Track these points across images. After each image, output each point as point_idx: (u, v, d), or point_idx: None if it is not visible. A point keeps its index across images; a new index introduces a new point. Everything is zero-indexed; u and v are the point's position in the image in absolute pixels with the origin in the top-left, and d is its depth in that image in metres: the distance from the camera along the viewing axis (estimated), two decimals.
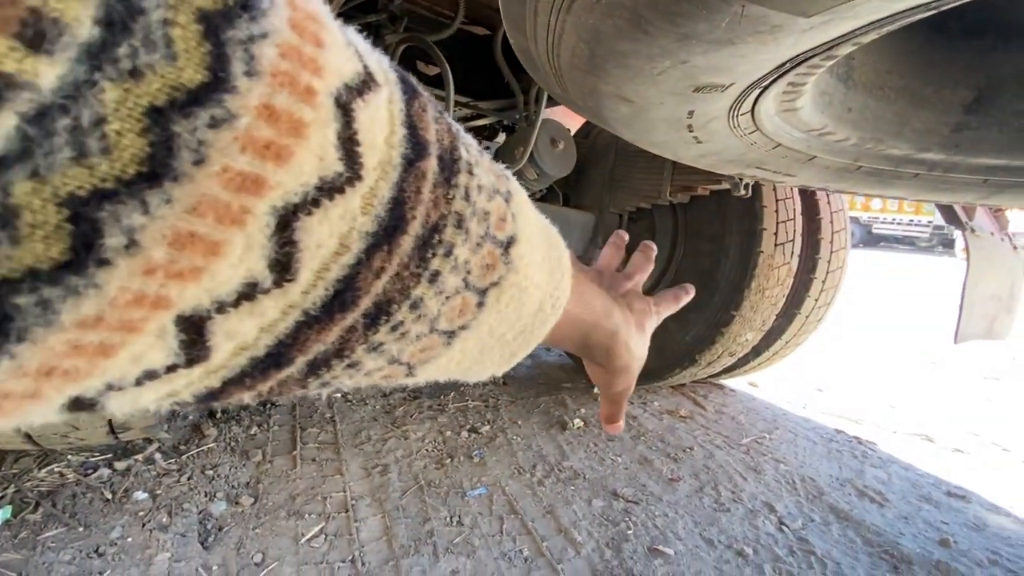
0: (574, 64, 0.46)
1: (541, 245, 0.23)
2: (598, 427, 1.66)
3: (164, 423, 1.26)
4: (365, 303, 0.16)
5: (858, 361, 2.88)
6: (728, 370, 1.89)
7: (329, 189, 0.13)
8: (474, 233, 0.18)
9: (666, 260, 1.82)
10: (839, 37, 0.37)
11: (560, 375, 2.13)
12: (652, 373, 1.80)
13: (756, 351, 1.79)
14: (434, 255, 0.17)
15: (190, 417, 1.41)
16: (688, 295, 0.48)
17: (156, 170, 0.11)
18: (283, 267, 0.13)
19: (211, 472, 1.20)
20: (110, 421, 0.91)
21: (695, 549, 1.11)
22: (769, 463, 1.52)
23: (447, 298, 0.18)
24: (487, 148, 1.58)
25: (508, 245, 0.20)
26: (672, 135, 0.65)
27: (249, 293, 0.13)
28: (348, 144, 0.14)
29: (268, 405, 1.55)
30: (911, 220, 14.14)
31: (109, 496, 1.06)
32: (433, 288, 0.17)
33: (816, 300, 1.72)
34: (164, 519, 1.03)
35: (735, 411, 1.89)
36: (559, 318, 0.26)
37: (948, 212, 1.18)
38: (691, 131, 0.62)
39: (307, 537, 1.05)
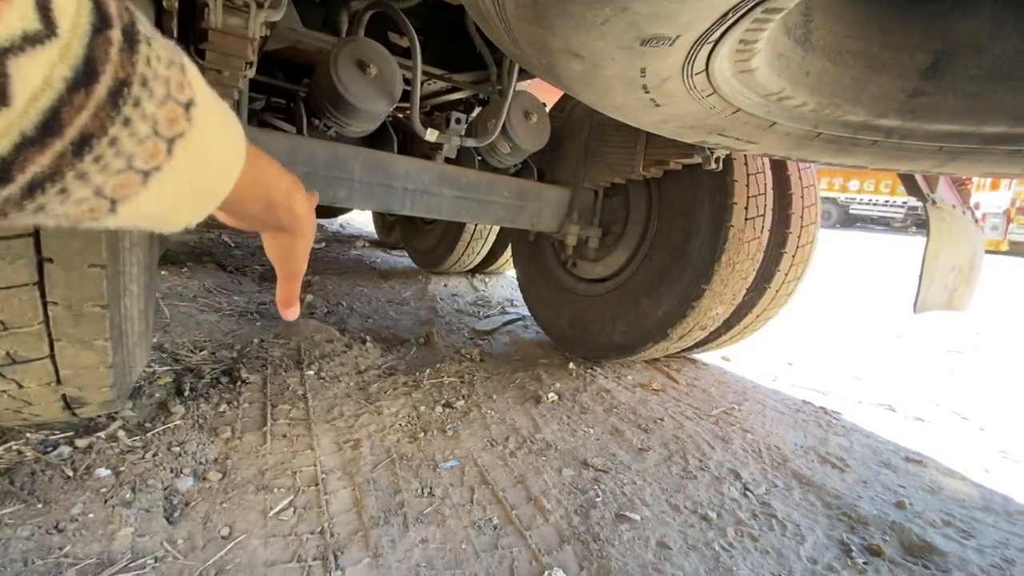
0: (520, 15, 0.45)
1: (219, 113, 0.30)
2: (572, 400, 1.68)
3: (126, 399, 1.23)
4: (71, 133, 0.21)
5: (827, 335, 2.95)
6: (700, 344, 1.92)
7: (32, 40, 0.19)
8: (157, 92, 0.24)
9: (640, 235, 1.83)
10: None
11: (537, 351, 2.14)
12: (625, 348, 1.82)
13: (727, 325, 1.82)
14: (124, 104, 0.23)
15: (156, 395, 1.39)
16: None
17: None
18: (2, 94, 0.18)
19: (178, 449, 1.18)
20: (64, 395, 0.89)
21: (661, 514, 1.14)
22: (737, 433, 1.55)
23: (139, 141, 0.24)
24: (458, 121, 1.55)
25: (188, 106, 0.26)
26: (630, 97, 0.64)
27: None
28: (45, 11, 0.19)
29: (238, 383, 1.53)
30: (887, 201, 14.40)
31: (70, 473, 1.04)
32: (127, 130, 0.23)
33: (786, 274, 1.75)
34: (128, 495, 1.02)
35: (706, 384, 1.93)
36: (240, 175, 0.33)
37: (910, 183, 1.20)
38: (647, 92, 0.61)
39: (275, 510, 1.05)
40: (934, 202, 1.23)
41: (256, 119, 1.57)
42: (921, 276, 1.16)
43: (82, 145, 0.22)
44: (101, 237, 0.73)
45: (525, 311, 2.74)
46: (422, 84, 1.99)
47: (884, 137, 0.78)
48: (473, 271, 3.61)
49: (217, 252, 3.29)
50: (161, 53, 0.25)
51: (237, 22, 0.74)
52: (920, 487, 1.37)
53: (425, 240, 3.43)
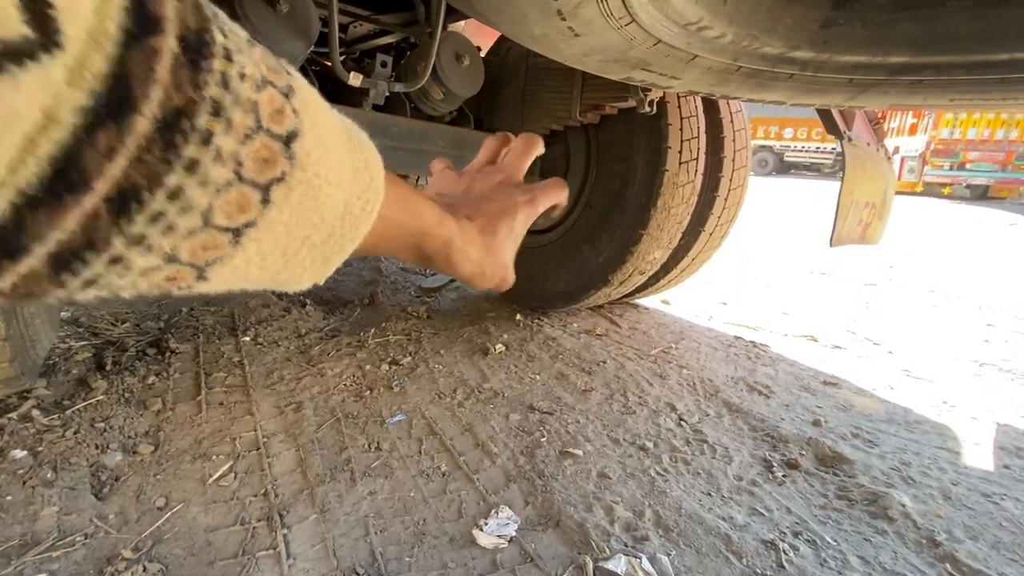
0: None
1: (339, 145, 0.23)
2: (519, 350, 1.71)
3: (35, 376, 1.14)
4: (102, 187, 0.15)
5: (759, 275, 3.12)
6: (641, 289, 1.98)
7: (14, 54, 0.13)
8: (239, 124, 0.18)
9: (580, 184, 1.83)
10: None
11: (484, 306, 2.15)
12: (570, 296, 1.85)
13: (665, 269, 1.88)
14: (186, 142, 0.17)
15: (74, 372, 1.29)
16: (564, 189, 0.47)
17: None
18: None
19: (102, 424, 1.12)
20: None
21: (602, 448, 1.19)
22: (674, 369, 1.64)
23: (217, 191, 0.18)
24: (384, 64, 1.46)
25: (289, 140, 0.20)
26: (547, 26, 0.62)
27: None
28: (36, 7, 0.13)
29: (167, 353, 1.45)
30: (817, 147, 15.09)
31: None
32: (194, 178, 0.17)
33: (719, 217, 1.81)
34: (48, 475, 0.96)
35: (647, 326, 2.01)
36: (374, 223, 0.27)
37: (828, 120, 1.25)
38: (563, 19, 0.59)
39: (215, 477, 1.02)
40: (850, 139, 1.28)
41: None
42: (837, 211, 1.23)
43: (125, 202, 0.16)
44: None
45: None
46: (346, 28, 1.85)
47: (799, 70, 0.80)
48: None
49: None
50: (249, 70, 0.19)
51: None
52: (834, 406, 1.50)
53: None
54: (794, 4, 0.72)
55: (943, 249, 4.65)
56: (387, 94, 1.45)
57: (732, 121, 1.76)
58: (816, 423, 1.38)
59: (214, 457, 1.08)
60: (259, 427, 1.19)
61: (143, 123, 0.16)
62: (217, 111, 0.17)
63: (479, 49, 1.71)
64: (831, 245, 1.27)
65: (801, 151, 15.43)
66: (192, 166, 0.17)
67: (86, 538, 0.86)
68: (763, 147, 15.51)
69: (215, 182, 0.18)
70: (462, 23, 2.06)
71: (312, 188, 0.22)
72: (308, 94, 0.22)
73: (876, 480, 1.15)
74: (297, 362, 1.51)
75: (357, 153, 0.25)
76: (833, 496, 1.09)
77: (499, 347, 1.71)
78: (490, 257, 0.39)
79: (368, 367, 1.52)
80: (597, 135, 1.76)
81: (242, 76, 0.18)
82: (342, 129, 0.24)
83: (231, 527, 0.91)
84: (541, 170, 1.90)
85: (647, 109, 1.40)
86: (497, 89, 1.85)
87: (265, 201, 0.20)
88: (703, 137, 1.64)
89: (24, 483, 0.94)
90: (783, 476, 1.14)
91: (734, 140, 1.76)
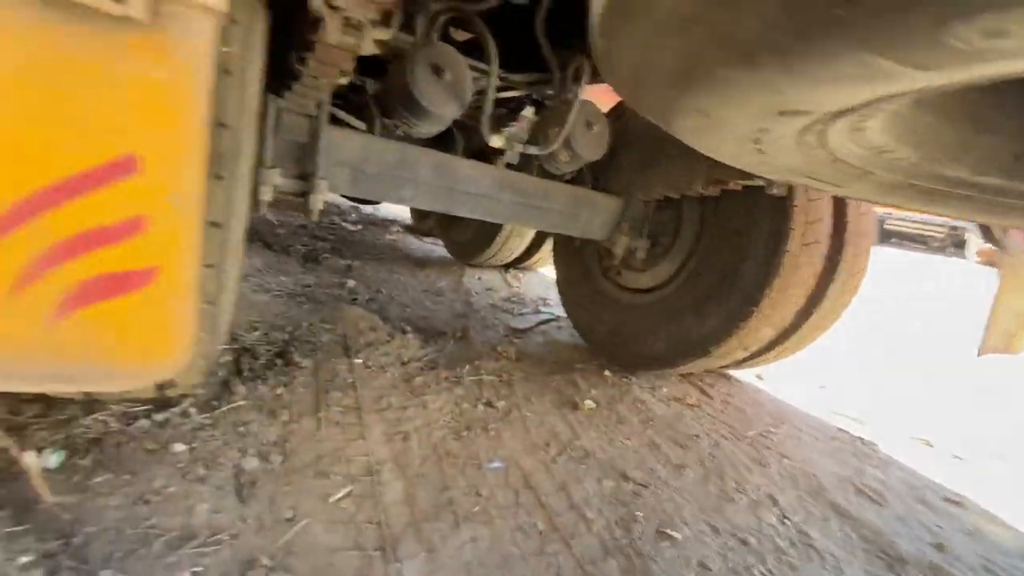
0: (660, 79, 0.46)
1: None
2: (609, 409, 1.71)
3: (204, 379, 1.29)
4: None
5: (861, 359, 2.91)
6: (738, 363, 1.92)
7: None
8: None
9: (689, 250, 1.83)
10: (941, 85, 0.37)
11: (572, 355, 2.17)
12: (664, 361, 1.83)
13: (768, 346, 1.82)
14: None
15: (219, 373, 1.45)
16: None
17: None
18: None
19: (242, 429, 1.24)
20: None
21: (700, 534, 1.16)
22: (773, 457, 1.56)
23: None
24: (512, 121, 1.56)
25: None
26: (737, 148, 0.65)
27: None
28: None
29: (292, 366, 1.59)
30: (925, 218, 13.92)
31: (152, 447, 1.11)
32: None
33: (834, 302, 1.74)
34: (201, 471, 1.08)
35: (741, 402, 1.94)
36: None
37: (987, 232, 1.18)
38: (757, 144, 0.63)
39: (335, 497, 1.10)
40: (1005, 248, 1.21)
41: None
42: (989, 321, 1.15)
43: None
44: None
45: (559, 311, 2.76)
46: (474, 81, 2.00)
47: (979, 193, 0.78)
48: (507, 266, 3.63)
49: (262, 230, 3.37)
50: None
51: (350, 40, 0.77)
52: (959, 529, 1.37)
53: (463, 231, 3.47)
54: (987, 135, 0.72)
55: None
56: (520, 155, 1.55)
57: (858, 204, 1.70)
58: (939, 547, 1.26)
59: (332, 476, 1.17)
60: (371, 452, 1.27)
61: None
62: None
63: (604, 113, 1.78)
64: (979, 354, 1.19)
65: (904, 220, 14.29)
66: None
67: (231, 538, 0.95)
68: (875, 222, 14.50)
69: None
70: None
71: None
72: None
73: None
74: (402, 391, 1.60)
75: None
76: None
77: (588, 403, 1.72)
78: None
79: (465, 405, 1.58)
80: (714, 205, 1.76)
81: None
82: None
83: (350, 551, 0.98)
84: (650, 231, 1.92)
85: (776, 191, 1.40)
86: (616, 151, 1.91)
87: None
88: (828, 220, 1.59)
89: (183, 476, 1.07)
90: None
91: (858, 224, 1.70)
